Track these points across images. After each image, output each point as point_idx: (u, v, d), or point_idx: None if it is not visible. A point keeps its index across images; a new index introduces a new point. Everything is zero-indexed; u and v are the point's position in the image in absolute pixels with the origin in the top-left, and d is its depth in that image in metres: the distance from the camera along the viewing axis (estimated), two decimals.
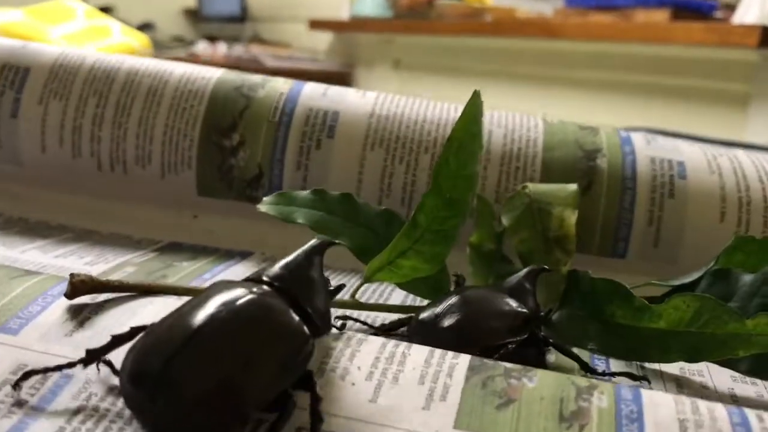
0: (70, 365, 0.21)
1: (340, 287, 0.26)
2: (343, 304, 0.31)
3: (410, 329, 0.29)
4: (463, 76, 1.64)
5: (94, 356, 0.21)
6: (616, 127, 0.44)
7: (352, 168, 0.40)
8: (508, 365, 0.23)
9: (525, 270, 0.31)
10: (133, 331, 0.21)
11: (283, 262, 0.23)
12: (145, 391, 0.19)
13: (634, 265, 0.39)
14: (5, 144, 0.41)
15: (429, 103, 0.42)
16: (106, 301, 0.24)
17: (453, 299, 0.29)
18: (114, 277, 0.34)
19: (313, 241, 0.24)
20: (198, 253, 0.38)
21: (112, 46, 1.03)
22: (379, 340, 0.23)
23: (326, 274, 0.25)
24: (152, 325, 0.21)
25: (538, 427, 0.20)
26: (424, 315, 0.29)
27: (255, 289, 0.22)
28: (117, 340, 0.21)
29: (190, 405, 0.19)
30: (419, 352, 0.23)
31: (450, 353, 0.23)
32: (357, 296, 0.31)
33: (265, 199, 0.32)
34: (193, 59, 2.06)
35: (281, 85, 0.42)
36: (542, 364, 0.29)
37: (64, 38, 0.99)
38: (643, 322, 0.30)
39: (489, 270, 0.35)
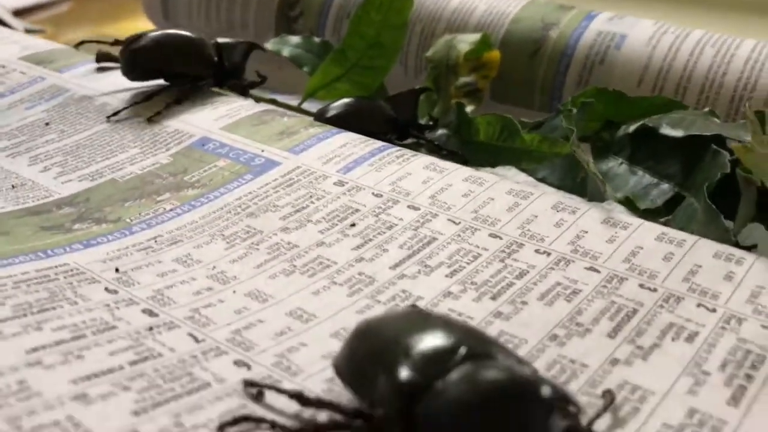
0: None
1: (264, 78, 0.43)
2: (288, 106, 0.47)
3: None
4: None
5: None
6: (592, 9, 0.52)
7: None
8: None
9: (411, 89, 0.45)
10: None
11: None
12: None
13: None
14: (171, 15, 0.63)
15: None
16: None
17: (345, 100, 0.44)
18: None
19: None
20: None
21: None
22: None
23: None
24: None
25: None
26: (317, 111, 0.44)
27: None
28: None
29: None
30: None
31: None
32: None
33: (271, 40, 0.50)
34: None
35: None
36: None
37: None
38: (472, 137, 0.42)
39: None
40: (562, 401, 0.17)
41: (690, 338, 0.23)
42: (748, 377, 0.22)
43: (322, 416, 0.20)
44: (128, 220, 0.30)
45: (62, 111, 0.40)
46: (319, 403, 0.20)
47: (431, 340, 0.18)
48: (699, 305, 0.25)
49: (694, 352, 0.23)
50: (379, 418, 0.18)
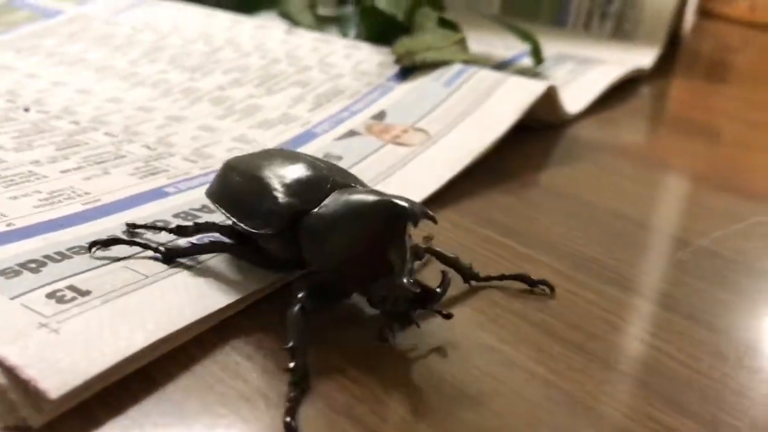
0: None
1: None
2: None
3: None
4: None
5: None
6: None
7: None
8: None
9: None
10: None
11: None
12: None
13: None
14: None
15: None
16: None
17: None
18: None
19: None
20: None
21: None
22: None
23: None
24: None
25: None
26: None
27: None
28: None
29: None
30: None
31: None
32: None
33: None
34: None
35: None
36: None
37: None
38: None
39: None
40: (422, 215, 0.20)
41: (301, 85, 0.37)
42: (328, 101, 0.36)
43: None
44: None
45: None
46: (198, 228, 0.23)
47: (300, 173, 0.22)
48: (320, 71, 0.39)
49: (303, 91, 0.37)
50: (266, 235, 0.21)
